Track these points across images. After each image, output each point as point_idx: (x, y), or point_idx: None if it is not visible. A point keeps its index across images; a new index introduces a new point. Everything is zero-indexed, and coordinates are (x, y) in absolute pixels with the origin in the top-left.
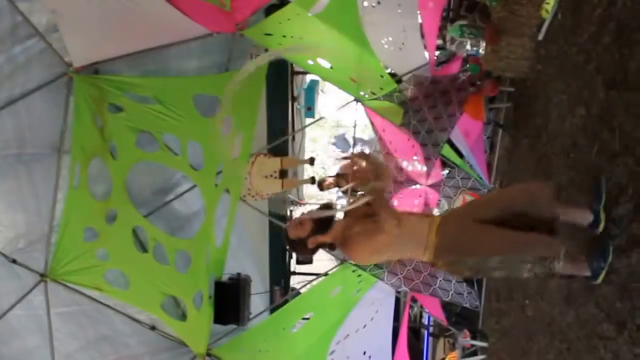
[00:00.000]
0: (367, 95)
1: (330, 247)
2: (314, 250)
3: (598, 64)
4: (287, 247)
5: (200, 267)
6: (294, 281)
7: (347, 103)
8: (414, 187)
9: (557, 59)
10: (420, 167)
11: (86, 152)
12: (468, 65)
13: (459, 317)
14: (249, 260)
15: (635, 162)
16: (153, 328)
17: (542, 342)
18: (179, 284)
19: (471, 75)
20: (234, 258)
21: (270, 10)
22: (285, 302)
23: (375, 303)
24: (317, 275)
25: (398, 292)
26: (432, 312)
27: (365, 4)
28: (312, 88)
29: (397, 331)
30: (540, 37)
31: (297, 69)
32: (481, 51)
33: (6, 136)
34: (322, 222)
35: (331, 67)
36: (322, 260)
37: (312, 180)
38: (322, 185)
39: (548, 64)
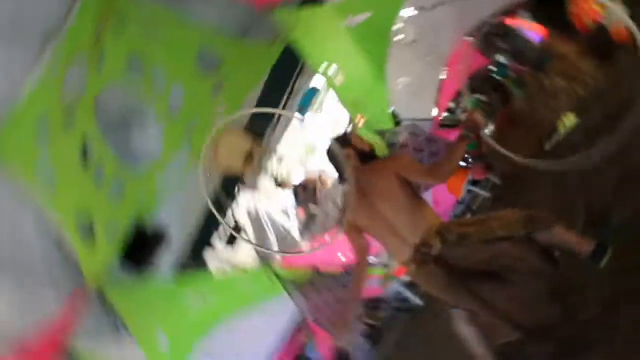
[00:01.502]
0: (361, 124)
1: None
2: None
3: (589, 199)
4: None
5: (131, 204)
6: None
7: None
8: None
9: (552, 173)
10: None
11: (74, 49)
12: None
13: None
14: (179, 223)
15: None
16: (58, 243)
17: None
18: (103, 210)
19: (467, 151)
20: (167, 212)
21: (306, 2)
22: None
23: (274, 316)
24: (235, 265)
25: (300, 316)
26: (323, 351)
27: (399, 38)
28: (312, 93)
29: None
30: (547, 147)
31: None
32: (486, 132)
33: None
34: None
35: (342, 84)
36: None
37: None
38: (280, 184)
39: (543, 173)
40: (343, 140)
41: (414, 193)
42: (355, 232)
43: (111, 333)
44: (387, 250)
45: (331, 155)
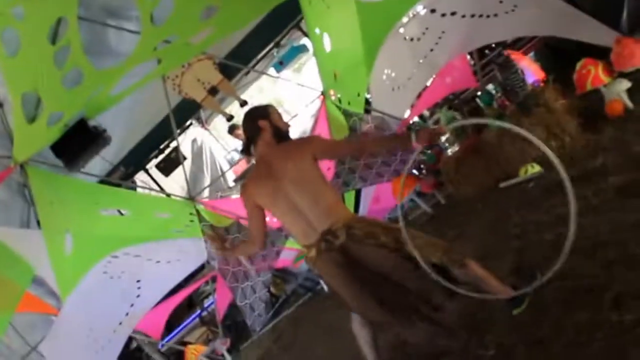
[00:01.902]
0: (333, 97)
1: None
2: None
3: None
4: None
5: (82, 95)
6: (139, 178)
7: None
8: None
9: (494, 213)
10: None
11: None
12: (429, 152)
13: (235, 325)
14: (125, 130)
15: None
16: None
17: None
18: (53, 92)
19: (424, 161)
20: (116, 116)
21: None
22: (118, 185)
23: (184, 253)
24: (161, 190)
25: (208, 262)
26: (219, 301)
27: (401, 30)
28: (298, 50)
29: (178, 290)
30: (501, 185)
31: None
32: (449, 151)
33: None
34: None
35: (328, 52)
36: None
37: (230, 117)
38: (233, 131)
39: (486, 207)
40: (263, 112)
41: (325, 179)
42: (253, 207)
43: (19, 220)
44: (290, 231)
45: (246, 120)
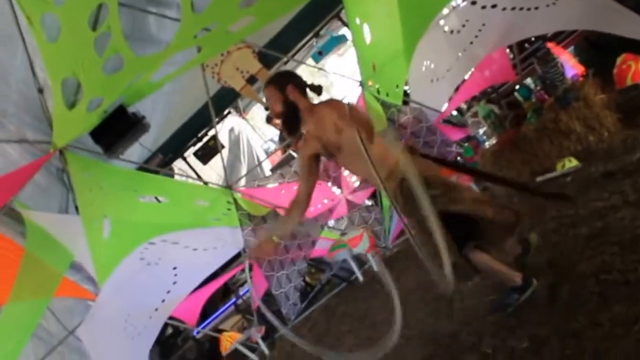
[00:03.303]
0: (371, 87)
1: None
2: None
3: (558, 246)
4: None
5: (122, 82)
6: (177, 166)
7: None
8: (334, 188)
9: (530, 206)
10: (354, 180)
11: None
12: (466, 145)
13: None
14: (164, 117)
15: None
16: (40, 90)
17: None
18: (93, 78)
19: (461, 154)
20: (155, 103)
21: None
22: (156, 172)
23: (220, 241)
24: (199, 178)
25: (244, 250)
26: (254, 290)
27: (442, 22)
28: (337, 40)
29: (214, 278)
30: (538, 179)
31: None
32: (487, 144)
33: None
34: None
35: (368, 43)
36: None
37: (267, 107)
38: (270, 120)
39: (522, 205)
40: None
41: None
42: (310, 162)
43: (58, 206)
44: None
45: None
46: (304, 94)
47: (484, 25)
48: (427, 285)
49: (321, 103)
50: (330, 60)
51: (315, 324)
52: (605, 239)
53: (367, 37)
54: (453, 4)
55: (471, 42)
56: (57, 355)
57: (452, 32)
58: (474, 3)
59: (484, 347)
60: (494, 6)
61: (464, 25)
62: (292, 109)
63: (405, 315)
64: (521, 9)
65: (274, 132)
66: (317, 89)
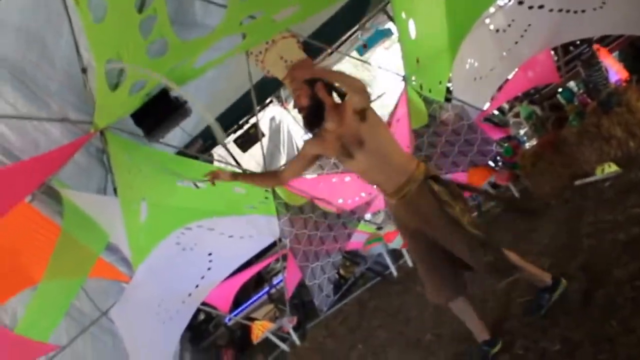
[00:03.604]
0: (414, 82)
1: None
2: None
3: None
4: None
5: (165, 65)
6: (217, 152)
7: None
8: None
9: (568, 210)
10: None
11: None
12: (506, 144)
13: (302, 304)
14: (206, 103)
15: None
16: (84, 70)
17: None
18: (137, 60)
19: (500, 153)
20: (197, 89)
21: None
22: (196, 158)
23: (256, 229)
24: (238, 165)
25: (279, 240)
26: (288, 280)
27: (487, 21)
28: (382, 34)
29: (248, 266)
30: (577, 183)
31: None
32: (527, 145)
33: None
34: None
35: (413, 38)
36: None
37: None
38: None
39: (560, 204)
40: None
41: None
42: (311, 159)
43: (96, 186)
44: (371, 180)
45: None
46: (331, 94)
47: (529, 25)
48: None
49: (344, 101)
50: (376, 54)
51: (347, 317)
52: None
53: (412, 32)
54: (500, 2)
55: (516, 42)
56: (89, 335)
57: (497, 31)
58: (520, 3)
59: (516, 348)
60: (540, 7)
61: (509, 25)
62: (318, 105)
63: (437, 314)
64: (568, 11)
65: None
66: (342, 95)
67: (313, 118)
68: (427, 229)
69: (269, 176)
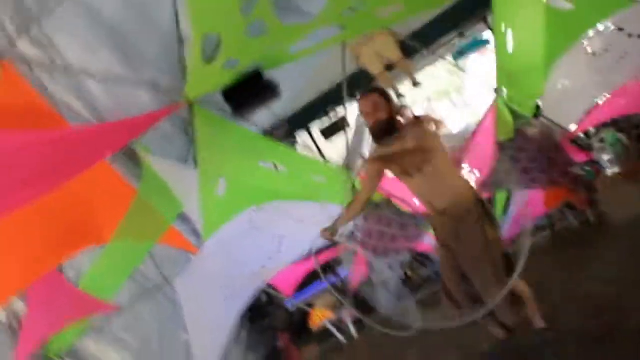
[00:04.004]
0: (505, 95)
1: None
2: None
3: None
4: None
5: (262, 46)
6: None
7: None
8: None
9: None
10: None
11: None
12: (588, 168)
13: (364, 298)
14: (297, 89)
15: None
16: (181, 41)
17: None
18: (235, 37)
19: (582, 176)
20: (291, 73)
21: None
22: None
23: (330, 219)
24: (320, 154)
25: (352, 233)
26: (354, 273)
27: (585, 43)
28: (480, 43)
29: (317, 253)
30: None
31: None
32: (608, 171)
33: None
34: None
35: (510, 50)
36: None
37: (399, 96)
38: (399, 111)
39: (633, 235)
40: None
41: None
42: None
43: (177, 156)
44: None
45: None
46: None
47: (626, 53)
48: None
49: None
50: (470, 61)
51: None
52: None
53: (510, 44)
54: (600, 27)
55: (611, 68)
56: (151, 300)
57: (594, 54)
58: (621, 29)
59: None
60: None
61: (606, 50)
62: (393, 121)
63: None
64: None
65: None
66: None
67: (386, 131)
68: (460, 251)
69: (354, 205)
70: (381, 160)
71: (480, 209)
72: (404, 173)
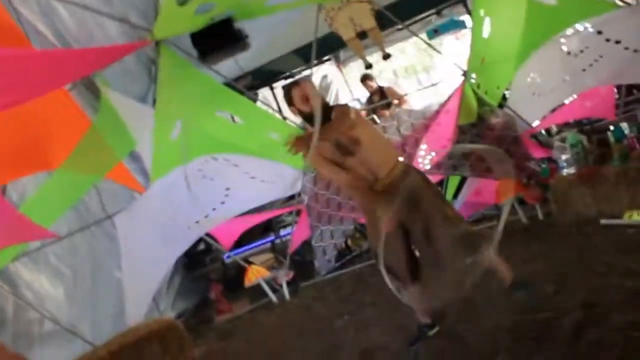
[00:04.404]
0: (473, 80)
1: None
2: None
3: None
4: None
5: None
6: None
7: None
8: None
9: (586, 245)
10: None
11: None
12: (544, 165)
13: (302, 262)
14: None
15: None
16: None
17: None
18: None
19: (537, 172)
20: (262, 26)
21: None
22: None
23: (280, 178)
24: (279, 112)
25: (299, 194)
26: (295, 235)
27: (562, 40)
28: (456, 24)
29: (261, 210)
30: (602, 221)
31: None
32: (565, 171)
33: None
34: None
35: (486, 37)
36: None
37: (369, 65)
38: (365, 80)
39: (580, 237)
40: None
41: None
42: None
43: (137, 93)
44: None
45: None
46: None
47: (601, 57)
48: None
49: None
50: (445, 41)
51: (341, 286)
52: None
53: (486, 31)
54: (579, 27)
55: (584, 70)
56: (88, 233)
57: (569, 53)
58: (599, 32)
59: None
60: (617, 42)
61: (582, 51)
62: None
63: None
64: None
65: (363, 93)
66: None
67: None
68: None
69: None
70: (322, 149)
71: (433, 186)
72: (344, 153)
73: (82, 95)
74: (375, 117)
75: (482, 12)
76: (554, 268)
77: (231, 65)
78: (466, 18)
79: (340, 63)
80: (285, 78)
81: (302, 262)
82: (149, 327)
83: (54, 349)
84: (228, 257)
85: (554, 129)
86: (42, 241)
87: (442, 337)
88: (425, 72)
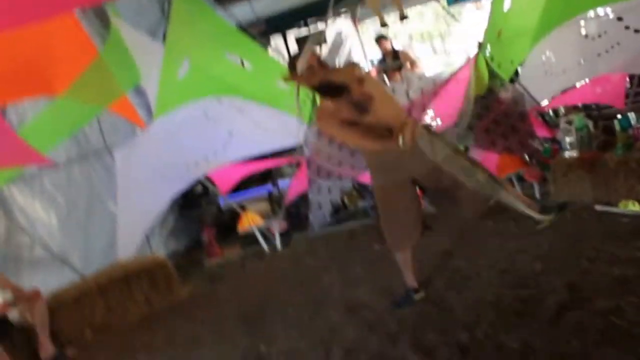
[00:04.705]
0: (487, 54)
1: None
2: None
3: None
4: None
5: None
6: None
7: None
8: None
9: (579, 229)
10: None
11: None
12: (547, 145)
13: (297, 214)
14: None
15: None
16: None
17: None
18: None
19: (539, 151)
20: None
21: None
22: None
23: (284, 128)
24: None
25: (301, 147)
26: (293, 186)
27: (582, 23)
28: None
29: (261, 158)
30: (597, 207)
31: None
32: (567, 153)
33: None
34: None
35: (506, 10)
36: None
37: (384, 24)
38: (379, 40)
39: (574, 220)
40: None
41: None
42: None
43: (148, 28)
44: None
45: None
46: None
47: (618, 44)
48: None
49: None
50: (467, 10)
51: (333, 242)
52: (632, 288)
53: (507, 4)
54: (600, 12)
55: (599, 54)
56: (86, 164)
57: (586, 36)
58: (620, 19)
59: (478, 332)
60: (637, 31)
61: (600, 36)
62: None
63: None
64: None
65: (376, 54)
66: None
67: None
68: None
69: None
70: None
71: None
72: (361, 111)
73: (92, 24)
74: (385, 77)
75: None
76: (544, 247)
77: (247, 10)
78: None
79: (356, 20)
80: (299, 27)
81: (297, 214)
82: (139, 263)
83: (43, 275)
84: (224, 202)
85: (562, 110)
86: (39, 168)
87: (427, 302)
88: (441, 38)
